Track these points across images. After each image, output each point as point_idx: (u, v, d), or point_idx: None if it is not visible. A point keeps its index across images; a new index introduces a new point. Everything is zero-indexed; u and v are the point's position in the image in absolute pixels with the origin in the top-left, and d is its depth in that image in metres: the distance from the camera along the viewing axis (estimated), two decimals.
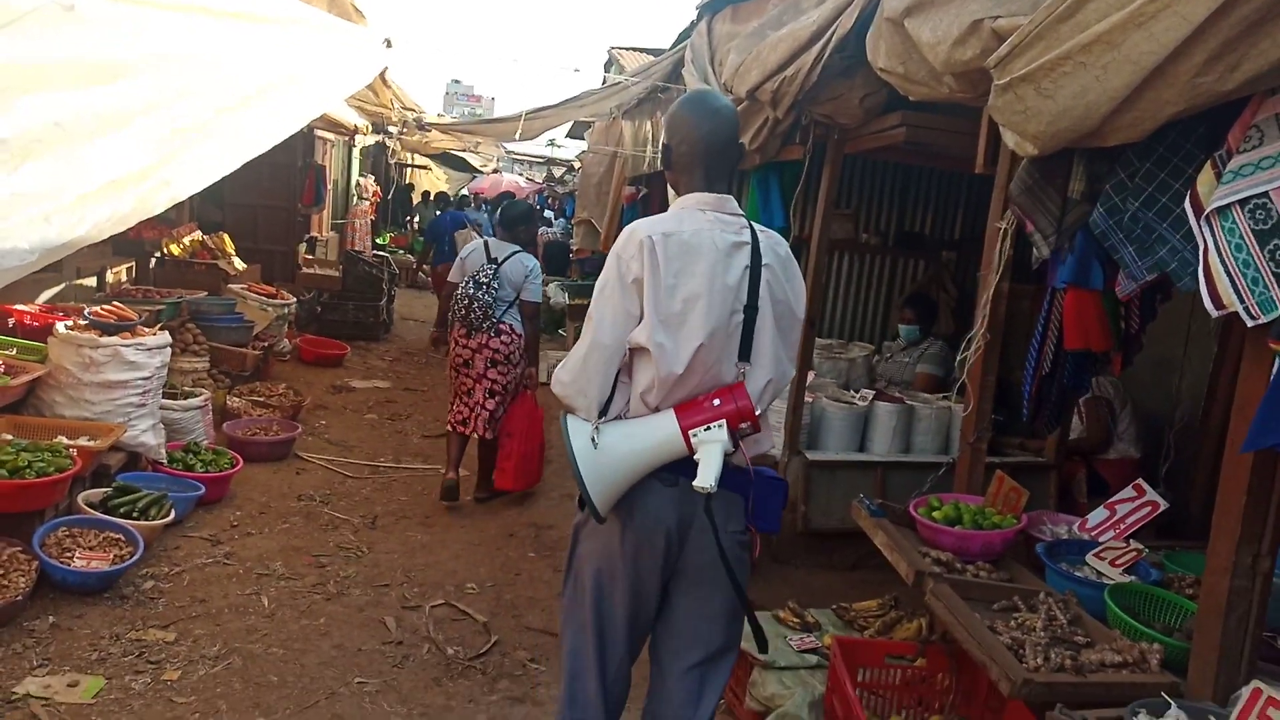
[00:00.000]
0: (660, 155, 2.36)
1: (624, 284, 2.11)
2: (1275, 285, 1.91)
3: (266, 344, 7.36)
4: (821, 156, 4.49)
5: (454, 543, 4.93)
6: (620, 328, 2.11)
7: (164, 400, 5.15)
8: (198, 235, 8.04)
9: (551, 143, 21.38)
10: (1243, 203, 1.95)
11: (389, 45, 2.81)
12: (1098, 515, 3.15)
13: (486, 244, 5.41)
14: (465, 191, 18.23)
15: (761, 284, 2.16)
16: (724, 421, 2.06)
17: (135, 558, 3.89)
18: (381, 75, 5.28)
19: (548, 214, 14.47)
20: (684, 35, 5.99)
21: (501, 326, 5.28)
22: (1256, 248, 1.94)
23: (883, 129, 4.00)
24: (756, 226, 2.25)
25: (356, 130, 8.07)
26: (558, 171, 20.57)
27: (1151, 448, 4.76)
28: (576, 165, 12.60)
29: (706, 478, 2.00)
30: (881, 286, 6.91)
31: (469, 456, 5.68)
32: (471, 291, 5.19)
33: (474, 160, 15.29)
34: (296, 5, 2.57)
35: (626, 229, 2.19)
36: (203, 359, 6.28)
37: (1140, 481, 3.18)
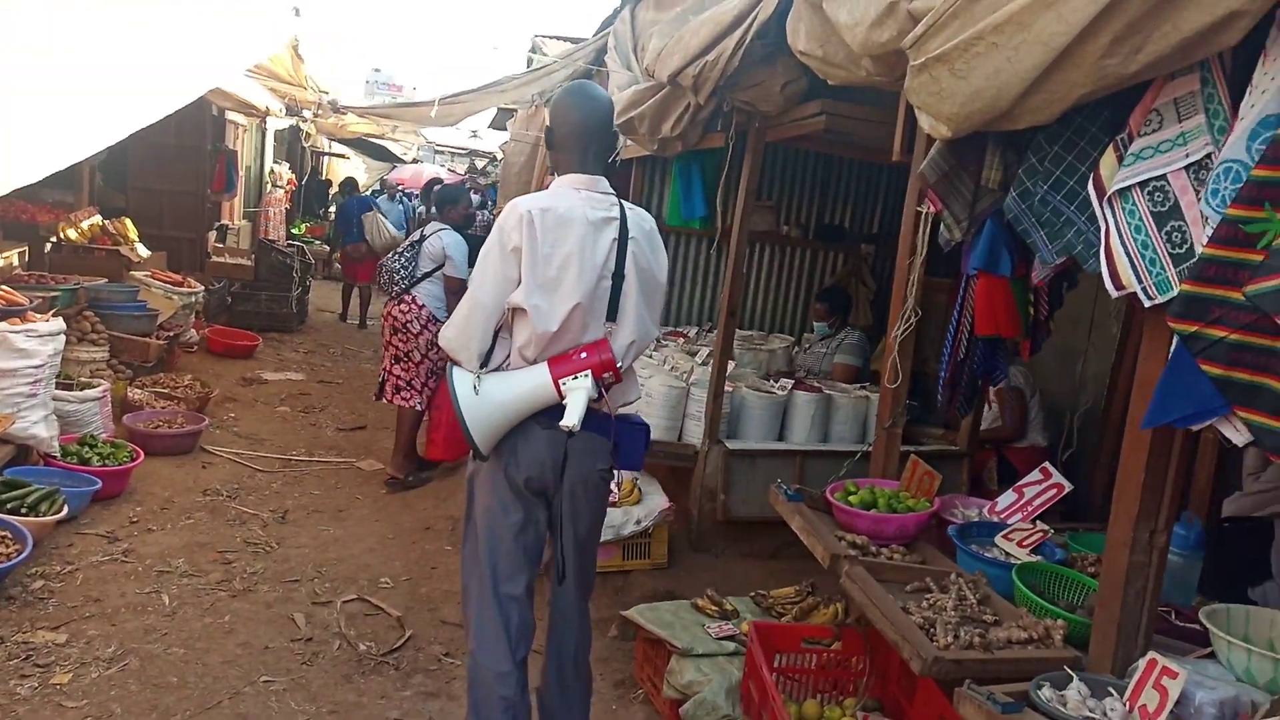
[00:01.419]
0: (544, 137, 2.67)
1: (504, 252, 2.41)
2: (1171, 266, 1.96)
3: (172, 334, 7.07)
4: (743, 145, 4.49)
5: (368, 537, 4.80)
6: (499, 290, 2.42)
7: (58, 391, 4.90)
8: (98, 220, 7.67)
9: (474, 134, 21.09)
10: (1142, 185, 2.00)
11: (297, 14, 2.69)
12: (1007, 498, 3.22)
13: (422, 223, 5.65)
14: (382, 179, 17.80)
15: (628, 255, 2.51)
16: (589, 372, 2.40)
17: (23, 556, 3.67)
18: (295, 50, 5.08)
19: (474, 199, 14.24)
20: (608, 22, 5.94)
21: (405, 296, 5.52)
22: (1154, 229, 1.99)
23: (803, 117, 4.00)
24: (625, 204, 2.58)
25: (268, 112, 7.77)
26: (480, 163, 20.32)
27: (1056, 435, 4.90)
28: (499, 156, 12.44)
29: (570, 418, 2.35)
30: (802, 279, 6.97)
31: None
32: (388, 261, 5.62)
33: (394, 149, 14.95)
34: None
35: (509, 204, 2.48)
36: (102, 349, 5.99)
37: (1047, 465, 3.26)
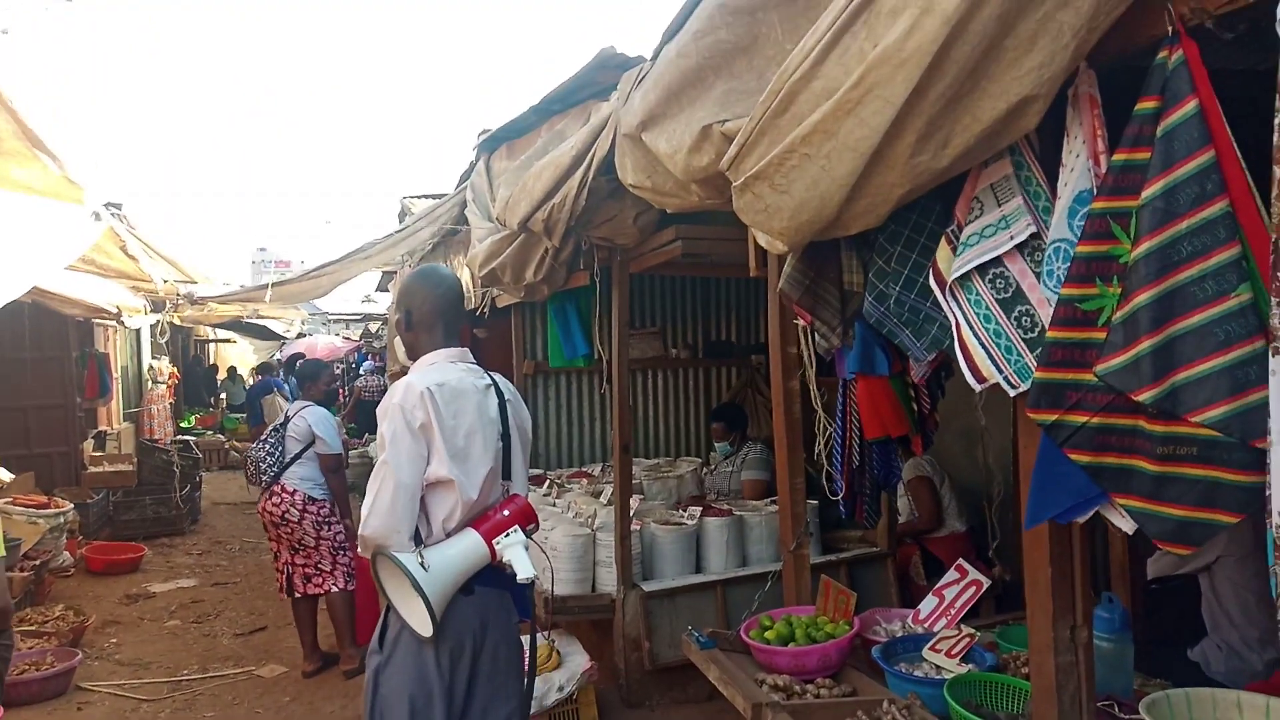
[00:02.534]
0: (401, 320, 2.67)
1: (412, 431, 2.39)
2: (1028, 352, 1.90)
3: (39, 561, 6.49)
4: (608, 280, 4.44)
5: None
6: (416, 468, 2.40)
7: None
8: None
9: (367, 298, 20.97)
10: (982, 272, 1.95)
11: (98, 218, 2.53)
12: (928, 604, 3.07)
13: (286, 406, 5.39)
14: (277, 357, 17.42)
15: (509, 414, 2.62)
16: (517, 526, 2.46)
17: None
18: (124, 249, 4.90)
19: (366, 365, 14.10)
20: (465, 176, 5.95)
21: (275, 487, 5.25)
22: (1003, 317, 1.93)
23: (660, 245, 3.99)
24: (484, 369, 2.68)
25: (120, 312, 7.49)
26: (374, 326, 20.11)
27: (976, 519, 4.82)
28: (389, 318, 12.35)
29: (526, 570, 2.40)
30: (699, 398, 6.91)
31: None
32: (252, 451, 5.37)
33: (275, 327, 14.67)
34: None
35: (400, 384, 2.47)
36: None
37: (961, 562, 3.14)
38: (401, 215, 9.16)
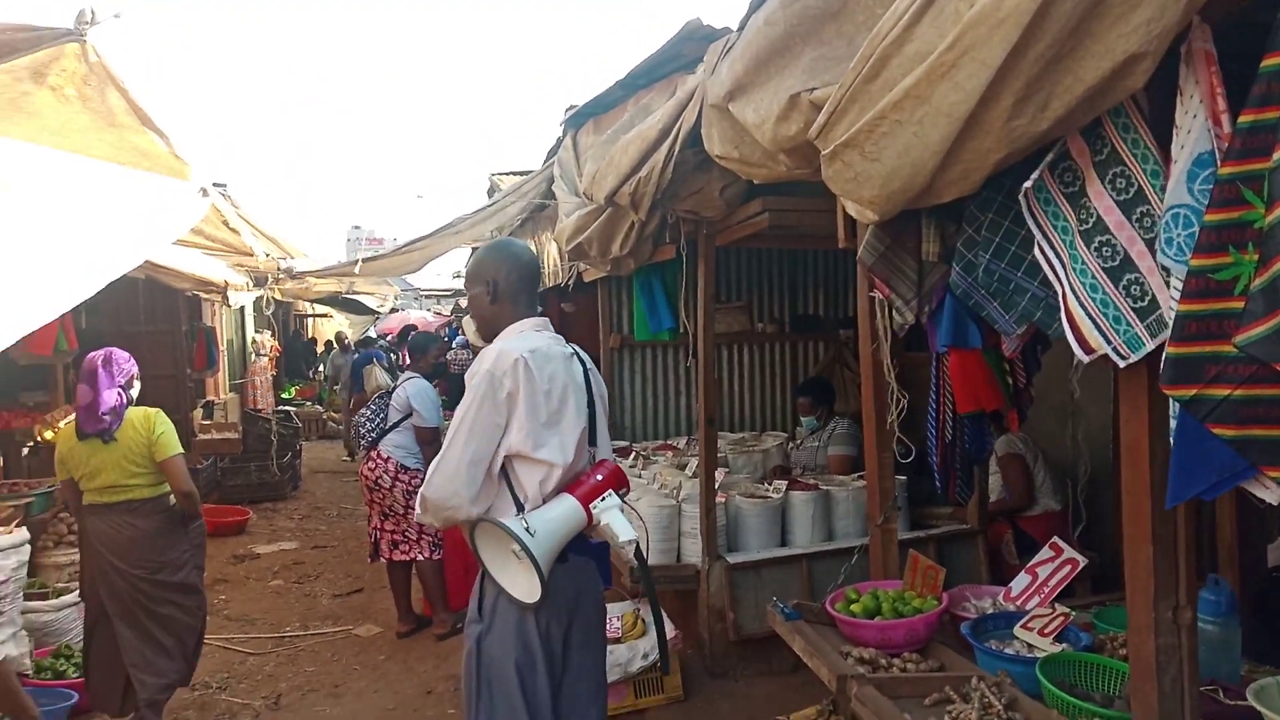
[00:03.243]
0: (485, 293, 2.65)
1: (496, 400, 2.37)
2: (1138, 322, 1.83)
3: None
4: (694, 253, 4.43)
5: (366, 712, 4.52)
6: (490, 438, 2.38)
7: (30, 603, 4.69)
8: (73, 418, 7.58)
9: (457, 274, 21.35)
10: (1087, 239, 1.88)
11: (204, 194, 2.65)
12: (1021, 582, 3.00)
13: (382, 377, 5.67)
14: (372, 333, 17.95)
15: (592, 384, 2.61)
16: (611, 490, 2.44)
17: None
18: (225, 224, 5.13)
19: (459, 340, 14.51)
20: (552, 152, 6.00)
21: (372, 453, 5.46)
22: (1110, 286, 1.86)
23: (747, 217, 3.96)
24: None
25: (226, 286, 7.82)
26: (464, 302, 20.50)
27: (1071, 498, 4.67)
28: None
29: (627, 532, 2.41)
30: (785, 373, 6.86)
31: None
32: (357, 416, 5.64)
33: (369, 302, 15.11)
34: (87, 164, 2.40)
35: (492, 350, 2.46)
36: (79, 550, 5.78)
37: (1056, 540, 3.05)
38: (490, 191, 9.29)
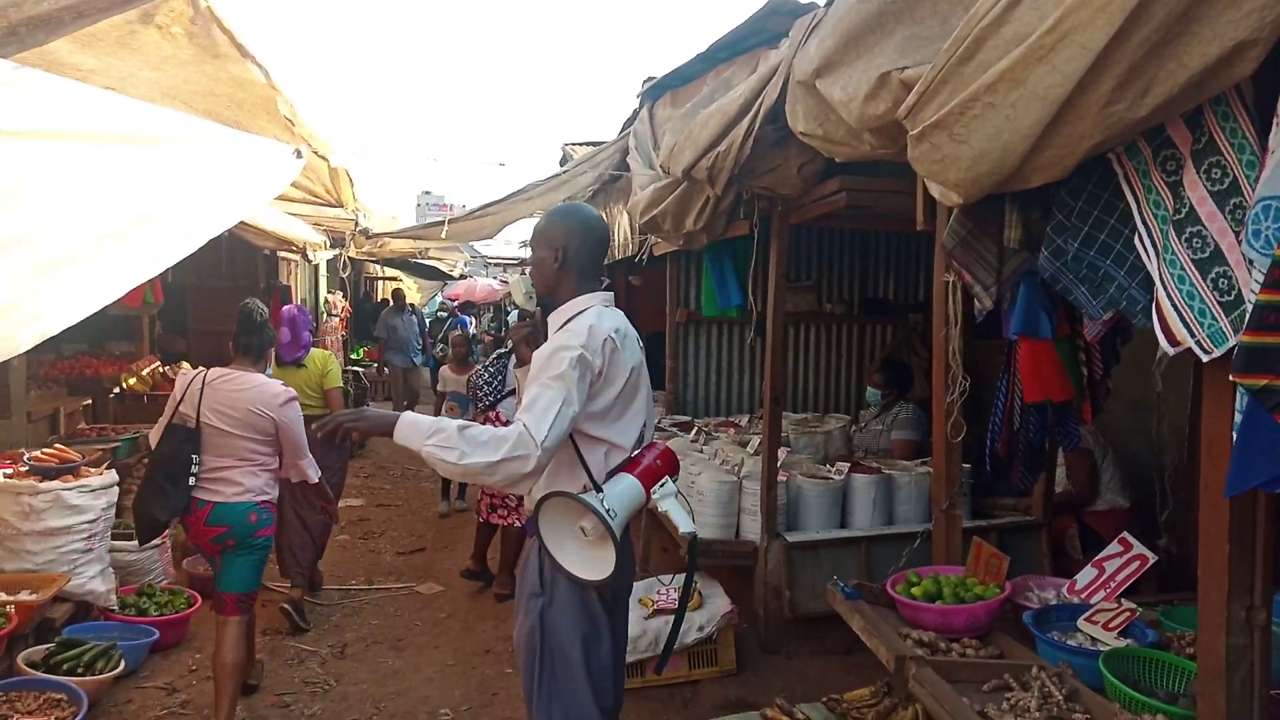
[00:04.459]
0: (554, 256, 2.55)
1: (586, 376, 2.34)
2: (1224, 316, 1.80)
3: None
4: (768, 230, 4.42)
5: (427, 666, 4.66)
6: (573, 418, 2.31)
7: (116, 543, 4.93)
8: (158, 367, 7.90)
9: (523, 244, 21.54)
10: (1179, 230, 1.85)
11: (298, 156, 2.74)
12: (1086, 575, 2.97)
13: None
14: (439, 297, 18.20)
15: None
16: (668, 476, 2.44)
17: (79, 718, 3.62)
18: (347, 174, 5.29)
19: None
20: (628, 123, 6.02)
21: (490, 414, 5.60)
22: (1199, 278, 1.83)
23: (824, 196, 3.94)
24: None
25: (306, 247, 8.02)
26: (518, 274, 20.66)
27: (1142, 495, 4.58)
28: None
29: (686, 523, 2.48)
30: (851, 355, 6.81)
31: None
32: (474, 375, 5.84)
33: (441, 267, 15.33)
34: (187, 121, 2.50)
35: (583, 326, 2.40)
36: None
37: (1126, 535, 3.01)
38: (563, 161, 9.35)
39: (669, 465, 2.45)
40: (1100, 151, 1.86)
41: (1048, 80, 1.69)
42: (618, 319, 2.51)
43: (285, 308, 5.54)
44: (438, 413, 7.11)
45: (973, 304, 2.94)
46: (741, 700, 4.01)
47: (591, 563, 2.31)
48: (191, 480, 3.63)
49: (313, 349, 5.53)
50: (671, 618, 4.20)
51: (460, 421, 2.29)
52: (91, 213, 2.01)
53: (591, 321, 2.41)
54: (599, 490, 2.31)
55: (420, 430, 2.25)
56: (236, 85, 3.61)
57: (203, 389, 3.75)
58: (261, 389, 3.77)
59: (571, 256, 2.54)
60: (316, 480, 4.03)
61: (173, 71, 3.41)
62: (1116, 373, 3.41)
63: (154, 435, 3.87)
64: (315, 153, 4.24)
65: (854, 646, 4.47)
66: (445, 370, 7.69)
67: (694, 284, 6.57)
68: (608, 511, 2.22)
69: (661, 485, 2.41)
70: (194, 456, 3.64)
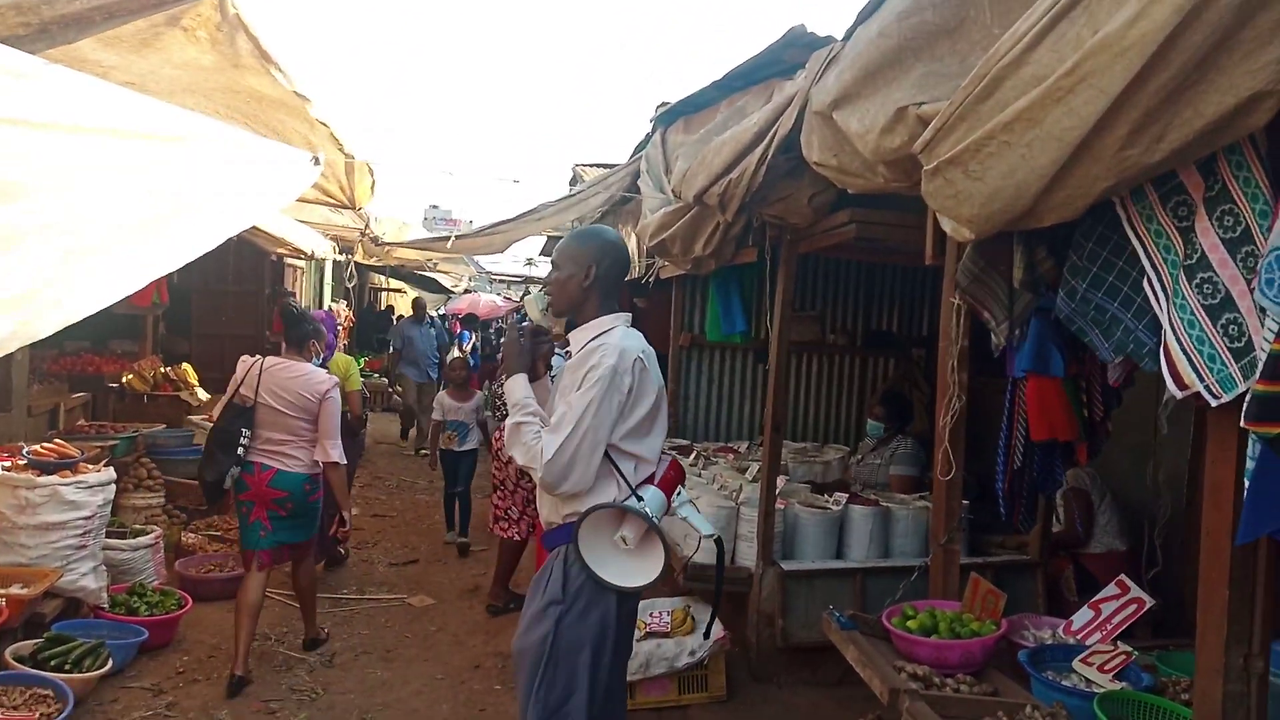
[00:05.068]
0: (583, 275, 2.61)
1: (619, 395, 2.45)
2: (1234, 362, 1.81)
3: None
4: (777, 258, 4.45)
5: (416, 678, 4.64)
6: (608, 430, 2.44)
7: (110, 540, 4.92)
8: (160, 367, 7.91)
9: (529, 261, 21.64)
10: (1189, 275, 1.87)
11: (317, 163, 2.76)
12: (1083, 616, 2.97)
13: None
14: (442, 311, 18.22)
15: None
16: (681, 487, 2.60)
17: (64, 715, 3.59)
18: (369, 169, 5.33)
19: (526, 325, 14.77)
20: (640, 147, 6.06)
21: (505, 424, 5.61)
22: (1208, 323, 1.85)
23: (833, 227, 3.97)
24: None
25: (313, 255, 8.06)
26: (534, 289, 20.72)
27: (1138, 540, 4.58)
28: None
29: (706, 526, 2.55)
30: (852, 387, 6.83)
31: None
32: (496, 386, 5.92)
33: (444, 280, 15.37)
34: (209, 123, 2.52)
35: (613, 348, 2.48)
36: (157, 494, 6.05)
37: (1123, 578, 3.01)
38: (573, 181, 9.40)
39: (680, 475, 2.61)
40: (1114, 194, 1.89)
41: (1064, 122, 1.71)
42: (641, 340, 2.59)
43: (314, 313, 5.91)
44: (433, 444, 7.10)
45: (978, 333, 2.96)
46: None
47: (632, 571, 2.43)
48: (240, 450, 4.29)
49: (336, 353, 5.88)
50: (663, 640, 4.19)
51: (531, 409, 2.56)
52: (115, 205, 2.03)
53: (621, 343, 2.50)
54: (639, 499, 2.44)
55: (511, 398, 2.62)
56: (254, 99, 3.66)
57: (260, 374, 4.43)
58: (309, 376, 4.46)
59: (598, 278, 2.61)
60: (336, 459, 4.48)
61: (193, 74, 3.46)
62: (1119, 416, 3.42)
63: (216, 409, 4.59)
64: (339, 149, 4.29)
65: (845, 678, 4.46)
66: (443, 396, 7.17)
67: (699, 308, 6.60)
68: (655, 520, 2.38)
69: (678, 494, 2.56)
70: (244, 430, 4.31)
